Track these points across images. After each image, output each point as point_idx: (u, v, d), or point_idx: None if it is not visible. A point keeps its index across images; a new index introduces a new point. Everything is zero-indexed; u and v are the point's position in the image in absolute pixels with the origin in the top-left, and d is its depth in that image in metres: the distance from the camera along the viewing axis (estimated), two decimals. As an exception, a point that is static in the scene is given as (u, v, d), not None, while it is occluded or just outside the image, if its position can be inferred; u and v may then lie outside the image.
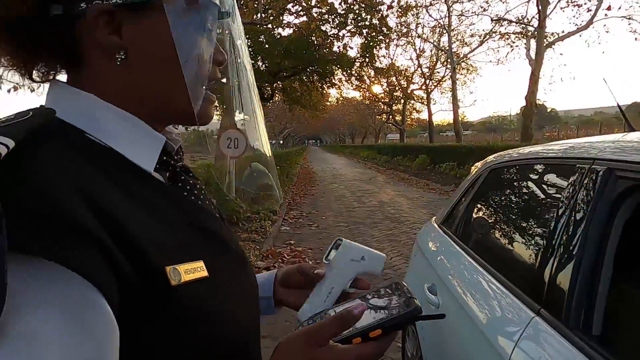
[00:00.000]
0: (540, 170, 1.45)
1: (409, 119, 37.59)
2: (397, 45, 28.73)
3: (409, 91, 33.34)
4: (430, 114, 29.03)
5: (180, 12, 0.45)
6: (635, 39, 15.58)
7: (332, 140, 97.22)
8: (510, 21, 19.00)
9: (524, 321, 1.04)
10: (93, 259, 0.34)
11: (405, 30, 24.93)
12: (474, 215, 1.85)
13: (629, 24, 15.77)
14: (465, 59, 25.86)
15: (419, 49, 29.52)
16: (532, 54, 15.83)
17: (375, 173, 18.12)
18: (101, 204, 0.37)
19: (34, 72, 0.48)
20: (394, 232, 6.30)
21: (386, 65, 25.05)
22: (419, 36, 27.28)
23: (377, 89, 34.39)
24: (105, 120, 0.45)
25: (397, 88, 33.57)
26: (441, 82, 29.82)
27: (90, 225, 0.34)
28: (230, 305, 0.46)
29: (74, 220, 0.33)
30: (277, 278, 0.69)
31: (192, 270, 0.42)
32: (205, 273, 0.43)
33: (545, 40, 15.78)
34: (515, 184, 1.70)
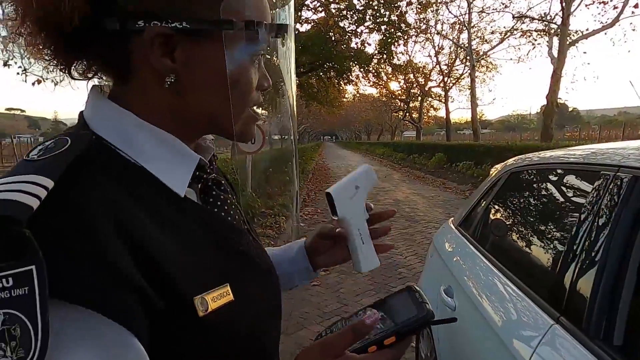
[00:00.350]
0: (561, 175, 1.43)
1: (425, 117, 37.20)
2: (415, 42, 28.43)
3: (426, 88, 33.00)
4: (447, 112, 28.67)
5: (237, 43, 0.46)
6: (664, 37, 15.07)
7: (348, 136, 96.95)
8: (533, 18, 18.61)
9: (543, 327, 1.03)
10: (130, 305, 0.36)
11: (424, 26, 24.64)
12: (492, 218, 1.84)
13: (657, 22, 15.23)
14: (485, 56, 25.44)
15: (438, 45, 29.14)
16: (555, 52, 15.49)
17: (390, 171, 18.00)
18: (138, 240, 0.38)
19: (73, 69, 0.49)
20: (409, 231, 6.26)
21: (404, 62, 24.79)
22: (437, 33, 26.89)
23: (394, 85, 34.18)
24: (142, 141, 0.45)
25: (414, 85, 33.27)
26: (460, 80, 29.41)
27: (130, 272, 0.36)
28: (256, 321, 0.48)
29: (115, 269, 0.35)
30: (307, 248, 0.73)
31: (219, 297, 0.43)
32: (231, 297, 0.44)
33: (568, 38, 15.41)
34: (535, 188, 1.67)
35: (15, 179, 0.35)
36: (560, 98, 16.98)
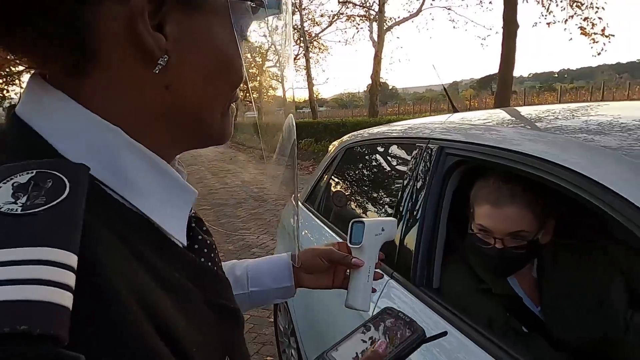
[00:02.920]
0: (387, 148, 1.62)
1: (265, 97, 37.77)
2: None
3: (263, 68, 33.37)
4: (284, 91, 29.59)
5: (236, 15, 0.36)
6: (454, 27, 18.24)
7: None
8: (355, 4, 20.35)
9: (381, 283, 1.18)
10: None
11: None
12: (333, 190, 1.99)
13: (449, 14, 18.31)
14: (317, 38, 26.89)
15: (271, 26, 29.54)
16: (375, 36, 17.31)
17: (236, 152, 17.89)
18: (162, 324, 0.28)
19: None
20: (259, 211, 6.37)
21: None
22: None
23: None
24: (132, 168, 0.33)
25: (252, 65, 33.23)
26: (295, 60, 30.57)
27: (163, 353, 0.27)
28: None
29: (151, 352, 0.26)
30: (295, 264, 0.68)
31: None
32: None
33: (385, 24, 17.37)
34: (367, 160, 1.87)
35: (14, 256, 0.21)
36: (382, 78, 19.16)
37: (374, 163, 1.79)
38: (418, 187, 1.20)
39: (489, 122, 1.23)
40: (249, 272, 0.68)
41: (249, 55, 0.41)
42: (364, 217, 0.70)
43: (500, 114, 1.38)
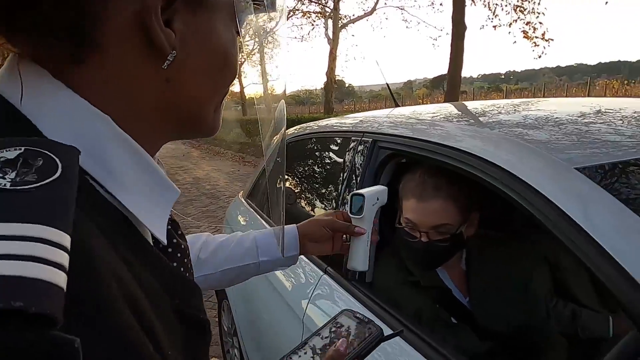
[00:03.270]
0: (326, 142, 1.61)
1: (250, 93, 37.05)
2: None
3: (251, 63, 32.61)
4: (242, 87, 29.18)
5: (239, 12, 0.38)
6: (407, 27, 18.64)
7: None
8: (311, 0, 20.33)
9: (315, 279, 1.16)
10: None
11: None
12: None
13: (402, 14, 18.73)
14: (272, 33, 26.58)
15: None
16: (330, 34, 17.38)
17: (189, 149, 17.38)
18: (139, 313, 0.26)
19: None
20: (211, 208, 6.22)
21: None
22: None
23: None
24: (120, 162, 0.31)
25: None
26: (250, 56, 30.10)
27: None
28: None
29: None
30: (300, 233, 0.75)
31: None
32: None
33: (340, 21, 17.46)
34: (306, 155, 1.85)
35: (5, 231, 0.20)
36: (338, 75, 19.27)
37: (313, 157, 1.77)
38: (353, 180, 1.19)
39: (423, 116, 1.24)
40: (258, 243, 0.74)
41: (244, 52, 0.43)
42: (362, 190, 0.78)
43: (438, 109, 1.40)
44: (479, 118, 1.17)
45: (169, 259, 0.37)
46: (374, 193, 0.78)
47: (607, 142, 0.85)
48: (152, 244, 0.35)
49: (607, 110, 1.10)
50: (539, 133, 0.90)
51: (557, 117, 1.03)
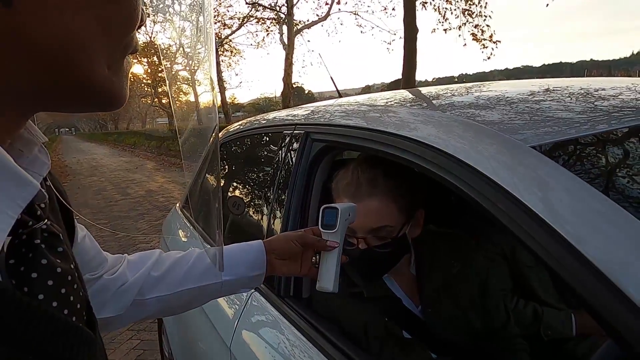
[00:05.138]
0: (258, 139, 1.45)
1: (178, 102, 36.06)
2: (154, 22, 26.80)
3: (172, 72, 31.82)
4: (196, 96, 28.51)
5: None
6: (361, 32, 18.82)
7: (91, 127, 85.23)
8: (265, 7, 20.13)
9: (245, 297, 0.99)
10: None
11: (161, 5, 23.40)
12: (229, 196, 1.76)
13: (356, 19, 18.88)
14: (227, 40, 26.20)
15: (179, 27, 28.29)
16: (285, 39, 17.25)
17: (144, 160, 16.71)
18: None
19: None
20: (163, 222, 5.90)
21: (143, 43, 23.11)
22: (177, 13, 26.04)
23: (137, 68, 31.57)
24: None
25: (159, 69, 31.57)
26: (203, 63, 29.52)
27: None
28: None
29: None
30: (267, 249, 0.68)
31: None
32: None
33: (295, 27, 17.38)
34: (239, 155, 1.68)
35: None
36: (296, 82, 19.17)
37: (245, 157, 1.61)
38: (284, 179, 1.03)
39: (363, 103, 1.11)
40: None
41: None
42: (334, 204, 0.72)
43: (383, 95, 1.27)
44: (419, 102, 1.05)
45: (31, 288, 0.28)
46: (347, 208, 0.73)
47: (560, 120, 0.75)
48: None
49: (555, 88, 1.01)
50: (491, 113, 0.79)
51: (508, 97, 0.93)
